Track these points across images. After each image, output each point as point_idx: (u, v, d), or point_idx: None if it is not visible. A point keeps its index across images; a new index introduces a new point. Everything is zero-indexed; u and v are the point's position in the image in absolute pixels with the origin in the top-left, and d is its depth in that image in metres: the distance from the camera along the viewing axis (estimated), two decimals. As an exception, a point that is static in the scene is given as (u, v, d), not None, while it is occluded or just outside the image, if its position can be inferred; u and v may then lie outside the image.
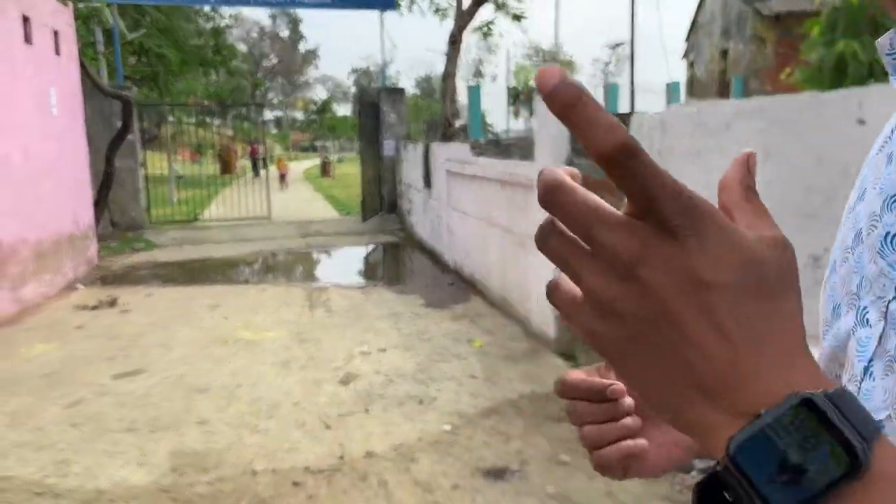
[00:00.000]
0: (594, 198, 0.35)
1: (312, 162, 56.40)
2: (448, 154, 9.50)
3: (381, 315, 7.10)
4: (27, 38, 7.61)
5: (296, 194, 22.71)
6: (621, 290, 0.33)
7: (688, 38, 24.87)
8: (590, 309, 0.35)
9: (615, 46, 58.87)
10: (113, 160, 11.97)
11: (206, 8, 31.98)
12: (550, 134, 5.56)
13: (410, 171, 13.06)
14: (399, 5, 15.34)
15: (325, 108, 44.99)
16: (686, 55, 25.18)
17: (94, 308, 7.47)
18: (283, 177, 26.14)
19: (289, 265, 11.16)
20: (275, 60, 72.46)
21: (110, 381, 5.06)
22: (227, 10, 32.86)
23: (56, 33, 8.65)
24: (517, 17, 17.02)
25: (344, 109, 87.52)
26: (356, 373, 5.22)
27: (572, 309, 0.37)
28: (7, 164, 6.94)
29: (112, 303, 7.61)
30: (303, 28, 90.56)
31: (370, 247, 12.40)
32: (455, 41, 14.24)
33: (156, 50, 24.11)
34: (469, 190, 8.46)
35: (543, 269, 5.91)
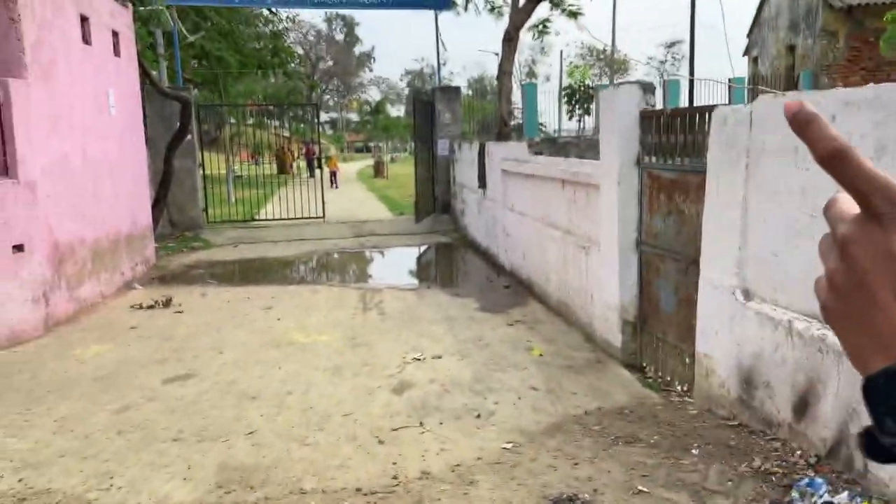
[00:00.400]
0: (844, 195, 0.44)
1: (366, 162, 56.83)
2: (504, 153, 9.19)
3: (435, 319, 6.86)
4: (86, 39, 7.65)
5: (350, 194, 22.74)
6: (838, 267, 0.44)
7: (750, 34, 23.86)
8: (824, 284, 0.45)
9: (672, 45, 57.40)
10: (172, 160, 12.09)
11: (265, 12, 32.53)
12: (619, 133, 5.20)
13: (465, 171, 12.80)
14: (455, 4, 15.09)
15: (378, 108, 45.14)
16: (748, 51, 24.16)
17: (150, 308, 7.46)
18: (333, 175, 26.26)
19: (342, 265, 11.05)
20: (330, 63, 73.37)
21: (160, 386, 4.95)
22: (284, 14, 33.20)
23: (115, 34, 8.71)
24: (573, 14, 16.52)
25: (397, 111, 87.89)
26: (410, 381, 4.98)
27: (817, 287, 0.46)
28: (66, 164, 6.97)
29: (167, 303, 7.59)
30: (358, 31, 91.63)
31: (423, 247, 12.19)
32: (510, 39, 13.89)
33: (215, 53, 24.53)
34: (526, 190, 8.14)
35: (607, 273, 5.55)
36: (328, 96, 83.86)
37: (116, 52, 8.82)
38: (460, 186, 13.19)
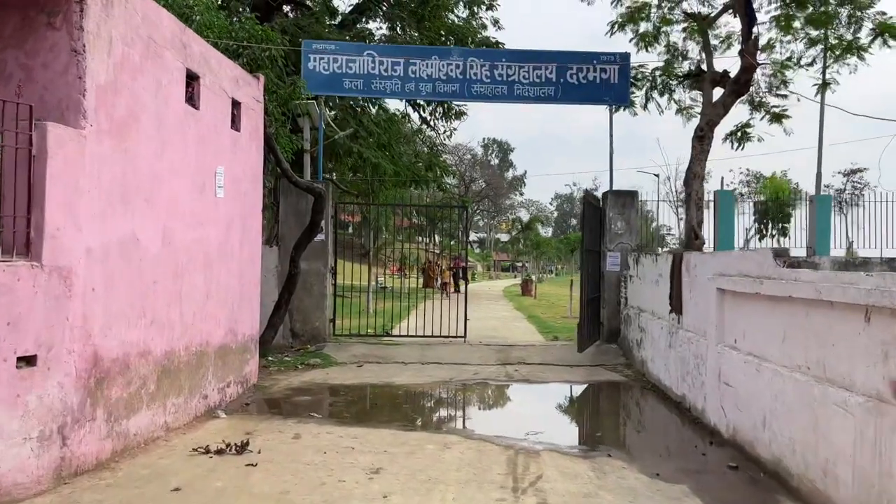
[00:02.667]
0: None
1: (512, 281, 55.03)
2: (722, 266, 6.53)
3: (633, 525, 4.13)
4: (192, 101, 6.19)
5: (496, 312, 20.49)
6: None
7: None
8: None
9: (851, 173, 51.97)
10: (298, 261, 10.53)
11: (426, 131, 32.67)
12: None
13: (643, 290, 10.12)
14: (632, 102, 13.02)
15: (529, 225, 43.72)
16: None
17: (218, 453, 5.37)
18: (445, 286, 24.84)
19: (484, 403, 8.57)
20: (483, 185, 74.45)
21: None
22: (442, 130, 33.06)
23: (236, 105, 7.32)
24: (777, 118, 13.89)
25: (545, 232, 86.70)
26: None
27: None
28: (133, 248, 5.27)
29: (242, 447, 5.47)
30: (512, 157, 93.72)
31: (588, 386, 9.46)
32: (702, 136, 11.45)
33: (372, 160, 24.17)
34: (770, 320, 5.38)
35: None
36: (478, 216, 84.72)
37: (235, 126, 7.40)
38: (636, 310, 10.48)
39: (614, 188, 12.32)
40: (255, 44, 9.33)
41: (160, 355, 5.72)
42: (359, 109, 26.50)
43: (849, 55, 13.60)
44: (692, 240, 10.97)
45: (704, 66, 12.67)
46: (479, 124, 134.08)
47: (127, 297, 5.19)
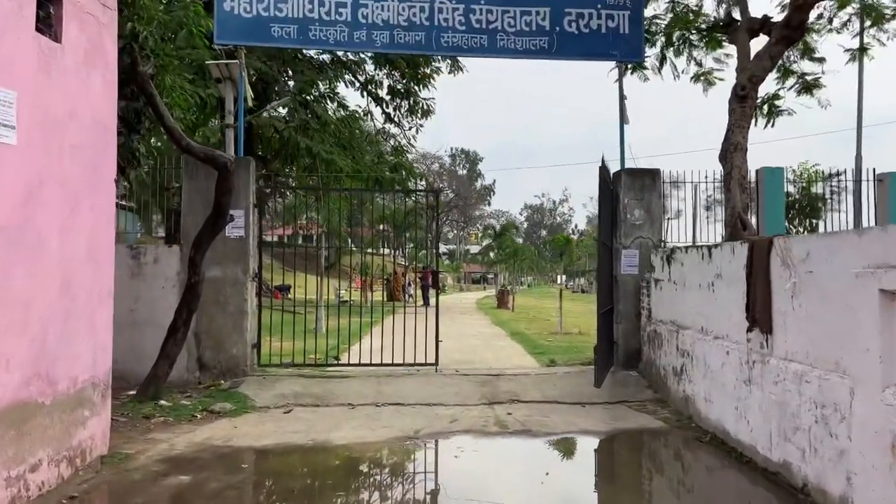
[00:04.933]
0: None
1: (485, 293, 52.17)
2: (882, 255, 3.71)
3: None
4: None
5: (472, 328, 17.53)
6: None
7: None
8: None
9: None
10: (200, 265, 7.47)
11: (392, 136, 29.69)
12: None
13: (683, 298, 7.31)
14: (642, 65, 10.28)
15: (503, 232, 40.99)
16: None
17: None
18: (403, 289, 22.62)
19: (466, 484, 5.57)
20: (451, 195, 71.80)
21: None
22: (409, 132, 30.05)
23: (54, 2, 4.32)
24: (808, 88, 11.29)
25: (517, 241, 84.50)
26: None
27: None
28: None
29: None
30: (480, 167, 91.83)
31: (615, 439, 6.56)
32: (744, 96, 8.72)
33: (324, 156, 21.13)
34: None
35: None
36: (447, 228, 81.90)
37: (52, 32, 4.41)
38: (670, 326, 7.65)
39: (628, 167, 9.50)
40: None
41: None
42: (309, 99, 23.52)
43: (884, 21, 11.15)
44: (738, 230, 8.19)
45: (736, 14, 10.02)
46: (444, 134, 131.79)
47: None
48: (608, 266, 8.79)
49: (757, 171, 9.73)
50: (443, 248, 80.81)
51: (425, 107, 28.92)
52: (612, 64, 10.46)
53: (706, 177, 9.77)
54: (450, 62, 27.65)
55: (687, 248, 7.59)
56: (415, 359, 9.19)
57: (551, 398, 7.87)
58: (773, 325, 5.11)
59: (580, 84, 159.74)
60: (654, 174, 9.23)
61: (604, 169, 8.03)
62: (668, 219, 9.66)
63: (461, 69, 27.91)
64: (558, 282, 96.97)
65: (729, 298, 5.97)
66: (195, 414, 6.96)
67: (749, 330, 5.46)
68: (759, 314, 5.29)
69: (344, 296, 25.08)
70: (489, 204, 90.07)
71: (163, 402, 7.37)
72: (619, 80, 9.76)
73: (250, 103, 10.13)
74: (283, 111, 24.74)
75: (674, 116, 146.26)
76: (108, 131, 5.25)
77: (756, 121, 11.61)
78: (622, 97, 9.69)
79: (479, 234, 78.26)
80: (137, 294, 8.49)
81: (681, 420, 6.89)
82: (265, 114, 21.58)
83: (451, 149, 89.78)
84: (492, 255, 48.76)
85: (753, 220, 9.63)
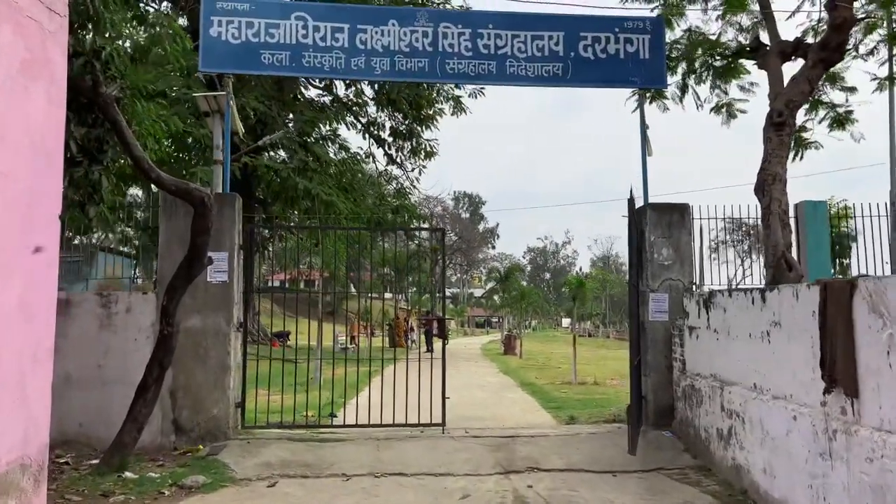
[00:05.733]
0: None
1: (490, 338, 50.95)
2: None
3: None
4: None
5: (479, 377, 16.46)
6: None
7: None
8: None
9: None
10: (174, 314, 6.55)
11: (392, 170, 29.05)
12: None
13: (729, 350, 6.36)
14: (667, 84, 9.50)
15: (508, 275, 40.01)
16: None
17: None
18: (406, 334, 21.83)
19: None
20: (455, 238, 71.16)
21: None
22: (414, 179, 29.40)
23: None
24: (839, 122, 10.54)
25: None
26: None
27: None
28: None
29: None
30: (483, 210, 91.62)
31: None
32: (782, 122, 7.92)
33: (324, 198, 20.36)
34: None
35: None
36: (451, 271, 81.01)
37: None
38: (711, 381, 6.68)
39: (652, 201, 8.64)
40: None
41: None
42: (309, 142, 22.86)
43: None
44: (782, 271, 7.27)
45: (764, 38, 9.31)
46: (447, 177, 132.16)
47: None
48: (639, 311, 7.84)
49: (797, 206, 8.84)
50: (447, 293, 79.84)
51: (428, 148, 28.36)
52: (630, 92, 9.77)
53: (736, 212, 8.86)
54: (453, 104, 27.23)
55: (730, 291, 6.66)
56: (419, 418, 8.17)
57: (576, 466, 6.83)
58: (859, 387, 4.15)
59: (577, 130, 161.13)
60: (682, 210, 8.36)
61: (631, 202, 7.16)
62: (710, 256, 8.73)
63: (464, 110, 27.47)
64: (563, 325, 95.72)
65: (791, 351, 5.02)
66: (162, 490, 5.95)
67: (826, 391, 4.49)
68: (839, 373, 4.33)
69: (344, 342, 24.06)
70: (493, 247, 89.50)
71: (128, 473, 6.37)
72: (640, 108, 8.97)
73: (242, 136, 9.34)
74: (282, 153, 24.18)
75: (685, 149, 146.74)
76: (53, 159, 4.39)
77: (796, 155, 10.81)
78: (644, 126, 8.88)
79: (483, 278, 77.33)
80: (107, 347, 7.57)
81: (733, 495, 5.85)
82: (263, 155, 20.93)
83: (454, 192, 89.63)
84: (496, 298, 47.72)
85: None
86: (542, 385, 14.31)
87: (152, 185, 6.45)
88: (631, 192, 7.07)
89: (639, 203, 8.51)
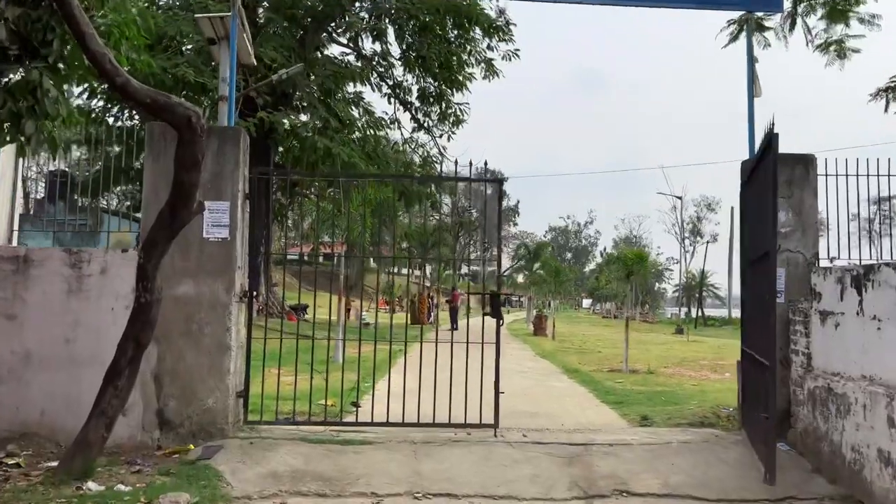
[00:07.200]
0: None
1: (514, 316, 49.30)
2: None
3: None
4: None
5: (515, 362, 14.73)
6: None
7: None
8: None
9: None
10: (154, 277, 4.93)
11: (425, 142, 27.28)
12: None
13: (883, 337, 4.62)
14: (782, 9, 7.65)
15: (539, 251, 38.20)
16: None
17: None
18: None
19: None
20: (475, 215, 69.45)
21: None
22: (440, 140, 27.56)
23: None
24: None
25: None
26: None
27: None
28: None
29: None
30: (505, 186, 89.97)
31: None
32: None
33: (345, 157, 18.71)
34: None
35: None
36: (472, 249, 79.36)
37: None
38: (863, 386, 4.94)
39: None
40: None
41: None
42: (331, 103, 21.20)
43: None
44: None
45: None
46: (469, 151, 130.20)
47: None
48: (756, 287, 6.07)
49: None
50: (465, 270, 78.05)
51: (458, 112, 26.58)
52: (725, 23, 7.92)
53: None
54: (484, 66, 25.39)
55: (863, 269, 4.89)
56: (465, 417, 6.51)
57: (679, 490, 5.16)
58: None
59: (600, 109, 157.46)
60: (806, 161, 6.56)
61: (771, 137, 5.25)
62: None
63: (496, 73, 25.59)
64: (584, 305, 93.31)
65: None
66: (129, 512, 4.39)
67: None
68: None
69: (366, 318, 22.60)
70: (515, 224, 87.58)
71: (90, 484, 4.82)
72: (749, 36, 7.12)
73: (253, 61, 7.68)
74: (303, 117, 22.58)
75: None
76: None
77: (886, 108, 9.03)
78: (751, 59, 7.06)
79: (511, 255, 75.86)
80: (77, 318, 6.01)
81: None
82: (284, 117, 19.29)
83: (477, 167, 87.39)
84: (520, 278, 45.94)
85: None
86: (589, 372, 12.63)
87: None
88: (772, 121, 5.25)
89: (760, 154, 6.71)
